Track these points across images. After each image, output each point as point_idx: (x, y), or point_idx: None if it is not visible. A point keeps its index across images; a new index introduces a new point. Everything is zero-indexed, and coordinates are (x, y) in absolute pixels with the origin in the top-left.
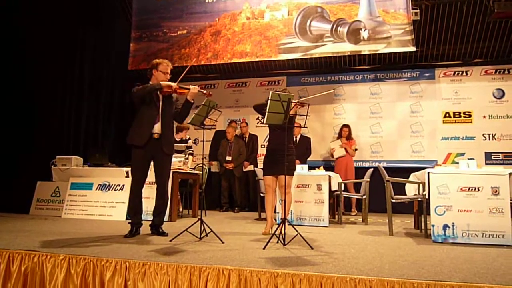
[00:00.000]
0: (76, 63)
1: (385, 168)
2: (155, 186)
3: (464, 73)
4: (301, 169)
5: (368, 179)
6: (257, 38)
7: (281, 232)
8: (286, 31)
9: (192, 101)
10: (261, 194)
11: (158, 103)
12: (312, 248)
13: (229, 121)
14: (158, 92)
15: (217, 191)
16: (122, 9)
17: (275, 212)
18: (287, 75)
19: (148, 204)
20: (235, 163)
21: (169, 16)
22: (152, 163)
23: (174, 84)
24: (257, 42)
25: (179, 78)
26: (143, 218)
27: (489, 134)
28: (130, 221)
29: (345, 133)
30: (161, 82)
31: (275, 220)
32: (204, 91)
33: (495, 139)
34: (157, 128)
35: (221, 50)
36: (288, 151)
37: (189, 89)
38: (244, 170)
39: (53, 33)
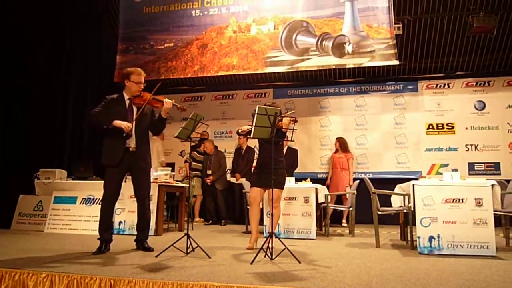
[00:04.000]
0: (61, 75)
1: (371, 179)
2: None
3: (446, 86)
4: (288, 181)
5: (355, 191)
6: (243, 52)
7: (268, 246)
8: (272, 45)
9: (167, 116)
10: (248, 207)
11: (131, 117)
12: (299, 262)
13: (202, 136)
14: (132, 105)
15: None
16: (108, 22)
17: (262, 225)
18: (273, 88)
19: (135, 218)
20: (215, 176)
21: (156, 29)
22: (129, 177)
23: (127, 124)
24: (244, 55)
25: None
26: (129, 233)
27: (471, 145)
28: (99, 237)
29: (336, 146)
30: (114, 122)
31: (263, 233)
32: (178, 105)
33: (478, 150)
34: (131, 142)
35: (208, 63)
36: (277, 164)
37: (162, 102)
38: (236, 182)
39: (37, 45)
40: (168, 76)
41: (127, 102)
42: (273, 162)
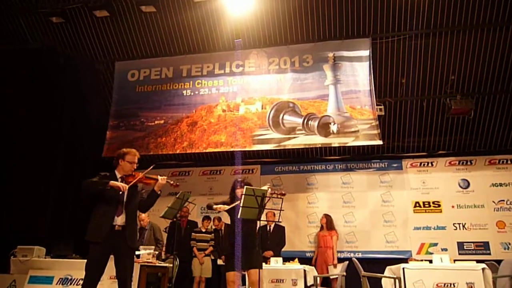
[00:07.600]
0: (47, 149)
1: (360, 259)
2: None
3: (430, 164)
4: (275, 262)
5: (344, 273)
6: (232, 129)
7: None
8: (260, 124)
9: (159, 192)
10: None
11: (122, 194)
12: None
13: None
14: (125, 183)
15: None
16: (100, 98)
17: None
18: (261, 164)
19: None
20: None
21: (147, 106)
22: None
23: (123, 184)
24: (232, 133)
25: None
26: None
27: (459, 224)
28: None
29: (322, 222)
30: (110, 182)
31: None
32: (172, 182)
33: (466, 229)
34: (120, 220)
35: (197, 140)
36: (252, 242)
37: (156, 179)
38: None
39: (25, 120)
40: (157, 152)
41: (119, 180)
42: (247, 240)
